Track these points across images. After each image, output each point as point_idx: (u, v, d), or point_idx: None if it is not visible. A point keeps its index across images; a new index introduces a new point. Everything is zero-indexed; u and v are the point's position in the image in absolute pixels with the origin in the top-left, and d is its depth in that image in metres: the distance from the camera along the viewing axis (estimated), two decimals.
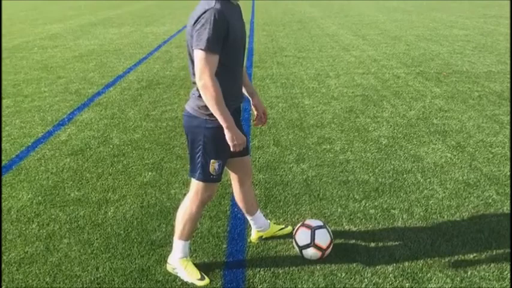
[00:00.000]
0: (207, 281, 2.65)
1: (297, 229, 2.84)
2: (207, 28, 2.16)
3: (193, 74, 2.31)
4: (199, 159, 2.45)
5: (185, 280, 2.66)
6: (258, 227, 3.01)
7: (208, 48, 2.17)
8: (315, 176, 3.96)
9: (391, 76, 7.43)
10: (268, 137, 4.90)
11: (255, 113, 2.79)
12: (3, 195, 3.75)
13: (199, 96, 2.33)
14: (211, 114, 2.31)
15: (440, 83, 6.93)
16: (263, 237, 3.03)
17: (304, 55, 9.47)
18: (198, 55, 2.19)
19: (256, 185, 3.82)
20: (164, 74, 7.97)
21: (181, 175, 4.06)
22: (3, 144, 4.86)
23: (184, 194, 3.66)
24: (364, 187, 3.75)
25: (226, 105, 2.31)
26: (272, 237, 3.03)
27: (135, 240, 3.08)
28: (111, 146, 4.76)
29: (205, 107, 2.32)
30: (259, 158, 4.38)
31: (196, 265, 2.75)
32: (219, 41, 2.21)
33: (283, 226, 3.14)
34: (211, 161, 2.45)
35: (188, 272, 2.67)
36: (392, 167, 4.12)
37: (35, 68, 8.64)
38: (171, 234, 3.09)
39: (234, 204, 3.51)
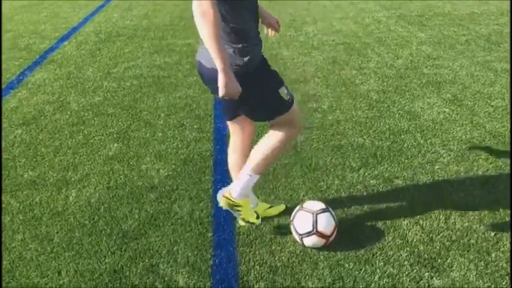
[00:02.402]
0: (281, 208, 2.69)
1: (296, 213, 2.42)
2: None
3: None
4: (266, 100, 2.25)
5: (241, 223, 2.49)
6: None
7: None
8: (304, 141, 3.53)
9: (371, 21, 6.92)
10: None
11: (265, 28, 2.60)
12: None
13: (233, 45, 2.09)
14: (246, 52, 2.10)
15: (424, 27, 6.49)
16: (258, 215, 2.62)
17: None
18: None
19: None
20: (124, 24, 7.22)
21: (152, 146, 3.55)
22: None
23: (158, 170, 3.21)
24: (360, 152, 3.35)
25: (257, 49, 2.18)
26: (262, 219, 2.62)
27: (103, 232, 2.61)
28: (68, 113, 4.17)
29: (238, 50, 2.09)
30: None
31: (177, 260, 2.33)
32: None
33: (275, 205, 2.74)
34: (279, 90, 2.26)
35: (250, 215, 2.48)
36: (387, 126, 3.72)
37: None
38: (145, 221, 2.65)
39: (216, 180, 3.06)
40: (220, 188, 2.91)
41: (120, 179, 3.12)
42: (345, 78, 4.75)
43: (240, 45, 2.08)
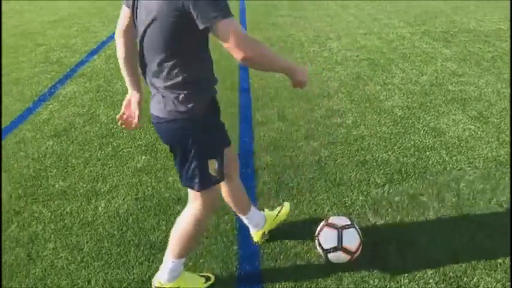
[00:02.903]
0: (212, 279, 2.38)
1: (321, 229, 2.45)
2: None
3: (168, 72, 1.86)
4: (193, 164, 1.99)
5: None
6: (255, 225, 2.60)
7: (229, 14, 1.71)
8: (329, 156, 3.56)
9: (395, 36, 6.94)
10: (271, 111, 4.45)
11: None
12: None
13: (176, 96, 1.88)
14: (194, 109, 1.90)
15: (448, 44, 6.47)
16: (265, 232, 2.64)
17: (300, 14, 8.88)
18: (225, 27, 1.69)
19: (264, 168, 3.41)
20: None
21: None
22: None
23: None
24: (385, 168, 3.36)
25: (212, 87, 2.02)
26: (281, 229, 2.65)
27: (131, 242, 2.68)
28: (98, 125, 4.28)
29: (186, 104, 1.88)
30: (264, 135, 3.95)
31: (202, 272, 2.37)
32: (227, 3, 1.75)
33: (279, 208, 2.74)
34: (209, 161, 2.02)
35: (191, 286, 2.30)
36: (412, 143, 3.72)
37: (10, 34, 7.97)
38: None
39: None
40: None
41: (148, 190, 3.20)
42: (369, 93, 4.77)
43: (193, 90, 1.89)
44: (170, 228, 2.74)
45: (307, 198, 3.03)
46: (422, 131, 3.91)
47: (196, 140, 1.96)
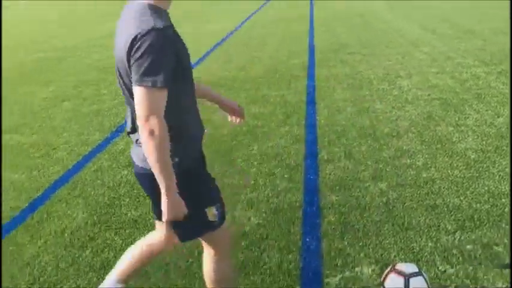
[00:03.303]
0: None
1: (387, 275, 2.38)
2: (152, 57, 1.64)
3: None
4: (191, 214, 1.87)
5: None
6: None
7: (155, 83, 1.64)
8: (397, 198, 3.48)
9: (469, 76, 6.72)
10: (338, 148, 4.44)
11: (229, 116, 2.47)
12: (58, 213, 3.53)
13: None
14: (177, 153, 1.81)
15: None
16: None
17: (369, 52, 8.86)
18: (143, 93, 1.65)
19: (329, 208, 3.39)
20: (223, 75, 7.66)
21: (244, 193, 3.69)
22: (60, 153, 4.70)
23: (249, 218, 3.33)
24: (456, 214, 3.22)
25: (196, 139, 1.98)
26: (344, 272, 2.59)
27: (196, 275, 2.74)
28: None
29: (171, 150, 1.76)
30: (330, 174, 3.93)
31: None
32: (168, 73, 1.68)
33: None
34: (206, 209, 1.97)
35: None
36: (486, 188, 3.56)
37: (93, 68, 8.59)
38: (236, 268, 2.74)
39: (305, 232, 3.10)
40: (309, 241, 2.96)
41: None
42: (440, 134, 4.63)
43: (174, 144, 1.77)
44: (234, 264, 2.79)
45: (373, 242, 2.96)
46: (497, 176, 3.73)
47: (188, 188, 1.86)
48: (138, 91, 1.67)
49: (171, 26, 1.80)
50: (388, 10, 15.44)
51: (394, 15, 14.12)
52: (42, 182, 4.06)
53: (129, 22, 1.73)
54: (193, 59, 8.93)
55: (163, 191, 1.75)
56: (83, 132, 5.26)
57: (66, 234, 3.24)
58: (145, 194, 2.11)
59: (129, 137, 2.00)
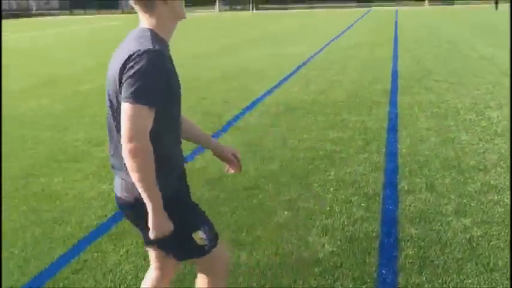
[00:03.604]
0: None
1: None
2: (144, 76, 1.67)
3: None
4: (176, 239, 1.87)
5: None
6: None
7: (144, 102, 1.66)
8: (482, 236, 3.28)
9: None
10: (419, 179, 4.28)
11: (226, 165, 2.39)
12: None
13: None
14: (157, 181, 1.76)
15: None
16: None
17: (456, 80, 8.53)
18: (130, 110, 1.65)
19: (408, 241, 3.27)
20: (302, 98, 7.71)
21: (319, 219, 3.66)
22: None
23: (323, 244, 3.29)
24: None
25: (176, 167, 1.96)
26: None
27: None
28: (246, 177, 4.55)
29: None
30: (410, 205, 3.80)
31: None
32: (159, 94, 1.71)
33: None
34: (192, 235, 1.93)
35: None
36: None
37: (182, 88, 8.97)
38: None
39: (382, 264, 3.01)
40: (385, 274, 2.87)
41: (288, 247, 3.27)
42: None
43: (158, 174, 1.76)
44: None
45: (454, 280, 2.81)
46: None
47: (172, 213, 1.83)
48: (126, 108, 1.67)
49: (167, 52, 1.84)
50: (478, 37, 14.77)
51: (484, 42, 13.48)
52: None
53: (128, 43, 1.80)
54: (273, 81, 9.10)
55: (149, 208, 1.75)
56: None
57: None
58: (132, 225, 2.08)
59: (112, 169, 1.96)
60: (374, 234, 3.41)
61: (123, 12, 49.63)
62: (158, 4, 1.82)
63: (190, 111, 7.10)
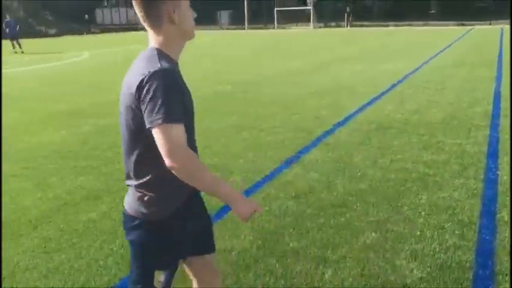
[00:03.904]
0: None
1: None
2: (162, 96, 1.68)
3: (135, 163, 1.86)
4: (137, 269, 1.97)
5: None
6: None
7: (172, 120, 1.68)
8: None
9: None
10: None
11: None
12: (228, 232, 3.83)
13: (140, 196, 1.88)
14: (156, 213, 1.87)
15: None
16: None
17: None
18: (161, 132, 1.68)
19: (506, 275, 3.06)
20: (395, 117, 7.51)
21: (409, 243, 3.55)
22: (235, 177, 5.11)
23: (412, 270, 3.18)
24: None
25: (171, 197, 1.89)
26: None
27: None
28: (334, 194, 4.53)
29: (149, 206, 1.87)
30: (509, 237, 3.56)
31: None
32: (179, 108, 1.73)
33: None
34: (155, 272, 1.96)
35: None
36: None
37: (272, 102, 9.16)
38: None
39: None
40: None
41: (374, 269, 3.21)
42: None
43: (156, 193, 1.87)
44: None
45: None
46: None
47: (148, 247, 1.92)
48: (157, 132, 1.70)
49: (176, 69, 1.88)
50: None
51: None
52: (218, 202, 4.44)
53: (138, 64, 1.83)
54: (365, 98, 8.97)
55: (229, 203, 1.81)
56: (256, 161, 5.64)
57: (233, 253, 3.50)
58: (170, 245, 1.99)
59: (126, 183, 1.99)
60: (468, 264, 3.24)
61: (221, 28, 51.60)
62: (165, 23, 1.85)
63: (280, 126, 7.23)
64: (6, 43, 24.99)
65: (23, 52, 24.09)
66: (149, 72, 1.73)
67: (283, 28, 48.48)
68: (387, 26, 43.01)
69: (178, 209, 1.92)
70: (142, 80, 1.72)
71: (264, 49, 23.47)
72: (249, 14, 50.02)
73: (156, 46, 1.87)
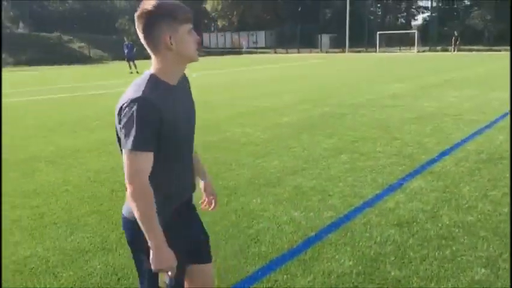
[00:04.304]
0: None
1: None
2: (134, 124, 1.85)
3: None
4: (141, 270, 2.17)
5: None
6: None
7: (138, 148, 1.86)
8: None
9: None
10: None
11: (203, 196, 2.57)
12: (327, 255, 3.82)
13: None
14: None
15: None
16: None
17: None
18: (126, 156, 1.89)
19: None
20: (506, 147, 7.00)
21: None
22: (334, 200, 5.08)
23: None
24: None
25: (168, 201, 2.09)
26: None
27: None
28: (439, 225, 4.33)
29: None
30: None
31: None
32: (150, 137, 1.89)
33: None
34: (160, 273, 2.11)
35: None
36: None
37: (372, 126, 9.01)
38: None
39: None
40: None
41: None
42: None
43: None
44: None
45: None
46: None
47: (139, 245, 2.04)
48: (124, 155, 1.90)
49: (167, 95, 1.97)
50: None
51: None
52: (317, 223, 4.47)
53: (128, 89, 1.97)
54: (474, 127, 8.50)
55: (151, 246, 1.93)
56: (356, 185, 5.57)
57: (332, 277, 3.48)
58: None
59: None
60: None
61: (321, 51, 51.88)
62: (162, 49, 1.96)
63: (381, 151, 7.08)
64: (123, 64, 27.14)
65: (137, 72, 26.06)
66: (129, 99, 1.89)
67: (385, 52, 47.55)
68: (499, 50, 40.40)
69: (169, 219, 2.10)
70: (121, 107, 1.91)
71: (365, 72, 23.15)
72: (349, 37, 49.79)
73: (153, 71, 2.02)
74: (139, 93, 1.90)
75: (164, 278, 2.12)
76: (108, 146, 7.80)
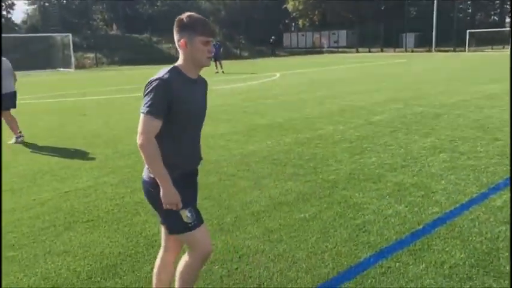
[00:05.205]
0: None
1: None
2: (150, 95, 2.44)
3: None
4: (168, 214, 2.61)
5: None
6: None
7: (149, 113, 2.44)
8: None
9: None
10: None
11: None
12: (437, 247, 3.91)
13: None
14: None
15: None
16: None
17: None
18: (141, 118, 2.47)
19: None
20: None
21: None
22: (438, 197, 5.12)
23: None
24: None
25: (176, 167, 2.57)
26: None
27: None
28: None
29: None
30: None
31: None
32: (160, 108, 2.44)
33: None
34: (180, 212, 2.58)
35: None
36: None
37: (471, 126, 8.79)
38: None
39: None
40: None
41: None
42: None
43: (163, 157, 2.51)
44: None
45: None
46: None
47: (156, 196, 2.57)
48: (140, 117, 2.48)
49: (182, 82, 2.55)
50: None
51: None
52: (422, 218, 4.56)
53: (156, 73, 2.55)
54: None
55: (160, 184, 2.50)
56: (459, 183, 5.54)
57: (445, 267, 3.58)
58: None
59: None
60: None
61: (405, 50, 50.37)
62: (182, 50, 2.59)
63: (482, 151, 6.93)
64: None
65: (223, 72, 26.95)
66: (152, 79, 2.49)
67: (476, 51, 45.20)
68: None
69: (175, 180, 2.56)
70: (147, 83, 2.50)
71: (457, 71, 22.28)
72: (436, 36, 47.85)
73: (177, 64, 2.63)
74: (159, 75, 2.51)
75: (185, 214, 2.61)
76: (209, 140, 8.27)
